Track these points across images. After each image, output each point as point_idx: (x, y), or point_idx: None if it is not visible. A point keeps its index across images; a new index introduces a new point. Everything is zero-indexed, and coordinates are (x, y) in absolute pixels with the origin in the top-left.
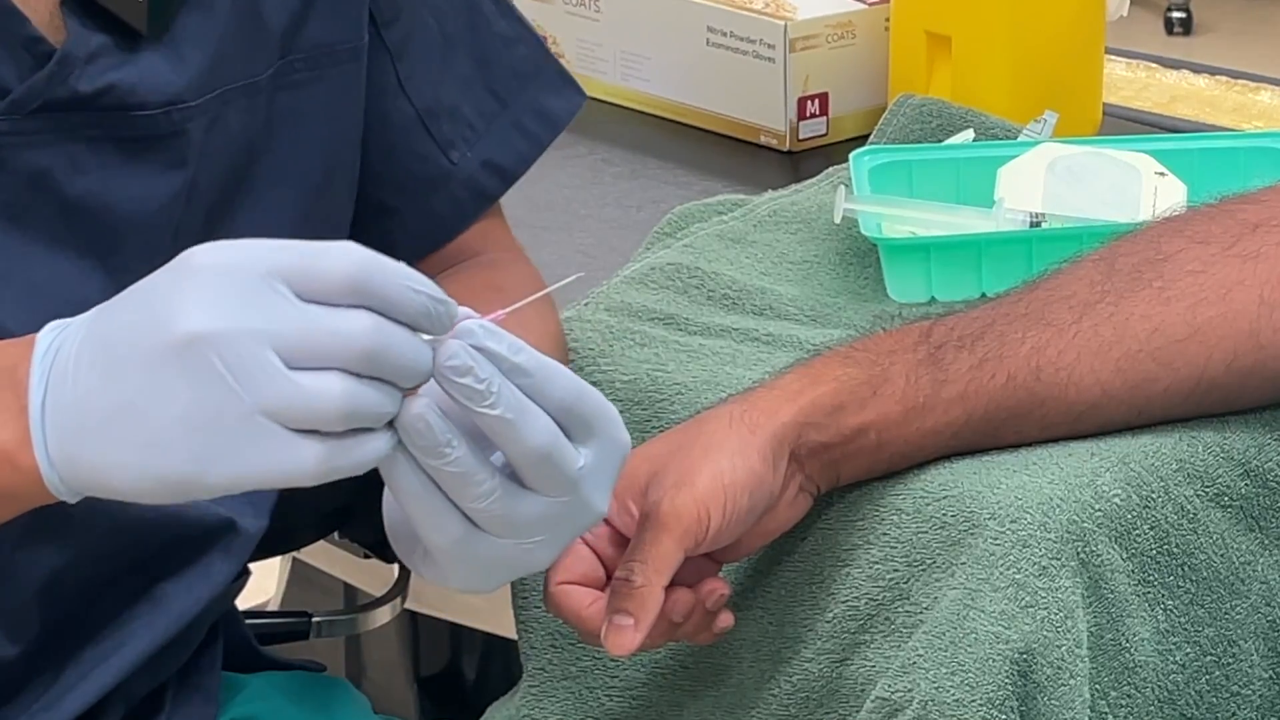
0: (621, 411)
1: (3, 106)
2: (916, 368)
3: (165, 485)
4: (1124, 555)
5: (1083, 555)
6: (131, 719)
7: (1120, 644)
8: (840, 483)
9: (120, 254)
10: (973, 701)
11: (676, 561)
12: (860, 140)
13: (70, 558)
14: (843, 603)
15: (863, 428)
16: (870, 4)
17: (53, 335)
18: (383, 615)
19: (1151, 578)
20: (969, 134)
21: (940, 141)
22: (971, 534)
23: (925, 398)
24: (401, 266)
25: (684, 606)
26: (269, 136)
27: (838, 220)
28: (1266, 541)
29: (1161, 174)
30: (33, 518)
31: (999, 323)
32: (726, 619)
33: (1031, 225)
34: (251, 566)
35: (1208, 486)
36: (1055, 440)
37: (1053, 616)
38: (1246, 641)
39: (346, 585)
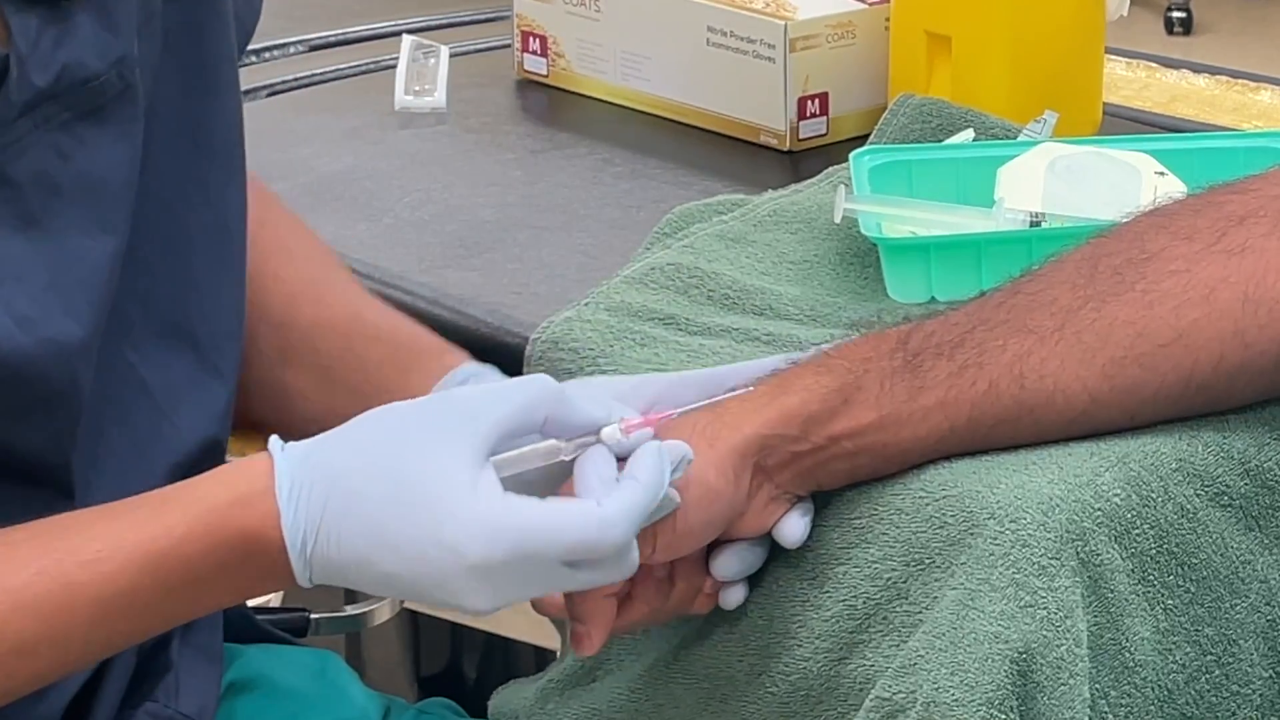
0: None
1: None
2: (891, 375)
3: None
4: (1124, 555)
5: (1082, 555)
6: (140, 676)
7: (1120, 643)
8: (822, 488)
9: (121, 216)
10: (972, 701)
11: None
12: (860, 140)
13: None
14: (841, 601)
15: (835, 437)
16: (870, 4)
17: (300, 535)
18: (382, 613)
19: (1151, 577)
20: (969, 134)
21: (940, 141)
22: (971, 533)
23: (901, 405)
24: (650, 493)
25: (646, 602)
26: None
27: (838, 220)
28: (1266, 541)
29: (1161, 174)
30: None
31: (979, 329)
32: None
33: (1031, 225)
34: None
35: (1207, 486)
36: (1052, 442)
37: (1052, 616)
38: (1246, 641)
39: None
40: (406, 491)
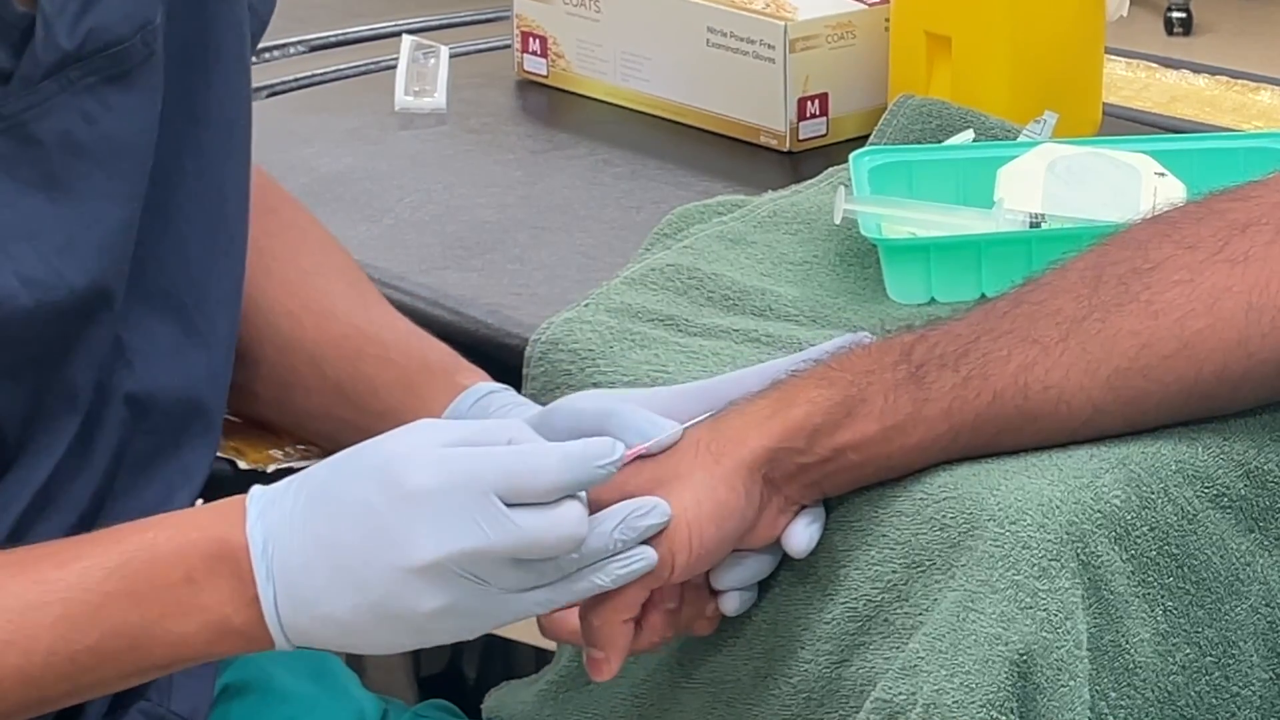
0: None
1: (14, 85)
2: (895, 388)
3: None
4: (1123, 556)
5: (1082, 556)
6: None
7: (1120, 645)
8: (826, 496)
9: (139, 182)
10: (972, 703)
11: (639, 599)
12: (860, 140)
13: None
14: (842, 604)
15: (840, 448)
16: (870, 4)
17: (261, 533)
18: None
19: (1151, 579)
20: (969, 134)
21: (940, 142)
22: (971, 535)
23: (906, 416)
24: (591, 448)
25: (656, 632)
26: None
27: (838, 221)
28: (1266, 542)
29: (1161, 174)
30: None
31: (983, 339)
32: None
33: (1031, 226)
34: None
35: (1207, 487)
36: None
37: (1052, 618)
38: (1246, 642)
39: None
40: (361, 462)
